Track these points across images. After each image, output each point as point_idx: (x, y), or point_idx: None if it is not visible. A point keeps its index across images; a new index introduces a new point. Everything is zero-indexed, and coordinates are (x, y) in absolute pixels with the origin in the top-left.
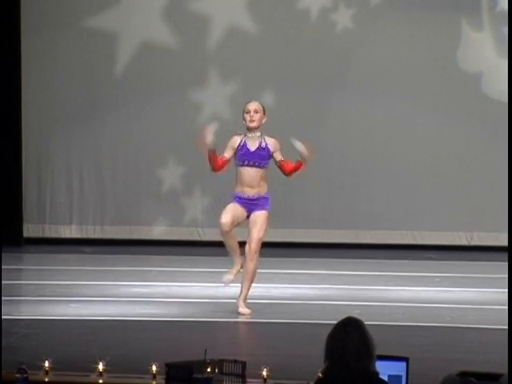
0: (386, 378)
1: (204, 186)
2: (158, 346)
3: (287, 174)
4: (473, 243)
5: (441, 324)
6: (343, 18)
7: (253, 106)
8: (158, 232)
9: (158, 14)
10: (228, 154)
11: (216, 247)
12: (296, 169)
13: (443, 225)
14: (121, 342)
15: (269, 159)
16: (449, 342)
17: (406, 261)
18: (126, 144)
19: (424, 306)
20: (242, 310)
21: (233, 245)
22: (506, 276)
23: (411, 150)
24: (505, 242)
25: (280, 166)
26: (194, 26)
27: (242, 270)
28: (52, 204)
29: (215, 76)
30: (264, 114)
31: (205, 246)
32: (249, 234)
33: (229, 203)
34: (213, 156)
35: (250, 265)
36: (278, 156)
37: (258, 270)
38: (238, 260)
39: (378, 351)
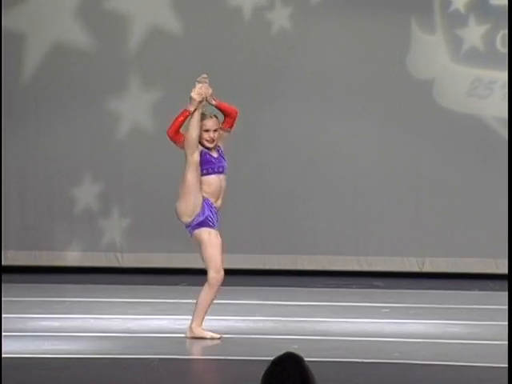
0: None
1: (123, 206)
2: None
3: (227, 110)
4: (425, 269)
5: (388, 360)
6: (280, 18)
7: (212, 123)
8: (72, 258)
9: (71, 13)
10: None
11: (137, 274)
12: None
13: (392, 249)
14: (27, 382)
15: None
16: (397, 380)
17: (349, 289)
18: (35, 158)
19: (370, 339)
20: (213, 333)
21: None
22: (462, 306)
23: (356, 166)
24: (460, 269)
25: (218, 106)
26: (112, 25)
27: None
28: None
29: (136, 82)
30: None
31: (125, 273)
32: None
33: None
34: (185, 116)
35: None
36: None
37: (184, 301)
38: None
39: None
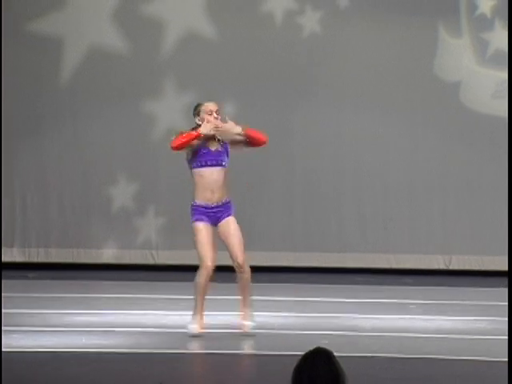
0: None
1: (158, 205)
2: (107, 380)
3: (255, 137)
4: (451, 267)
5: (417, 355)
6: (310, 22)
7: (214, 106)
8: (108, 255)
9: (108, 17)
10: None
11: (172, 271)
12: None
13: (419, 247)
14: (66, 375)
15: (228, 156)
16: (426, 375)
17: (378, 286)
18: (73, 159)
19: (399, 335)
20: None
21: (203, 297)
22: (489, 303)
23: (384, 166)
24: (486, 266)
25: (246, 135)
26: (148, 30)
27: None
28: None
29: (171, 86)
30: None
31: (159, 270)
32: (230, 247)
33: (193, 223)
34: (192, 136)
35: (246, 276)
36: (238, 134)
37: (217, 297)
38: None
39: None
